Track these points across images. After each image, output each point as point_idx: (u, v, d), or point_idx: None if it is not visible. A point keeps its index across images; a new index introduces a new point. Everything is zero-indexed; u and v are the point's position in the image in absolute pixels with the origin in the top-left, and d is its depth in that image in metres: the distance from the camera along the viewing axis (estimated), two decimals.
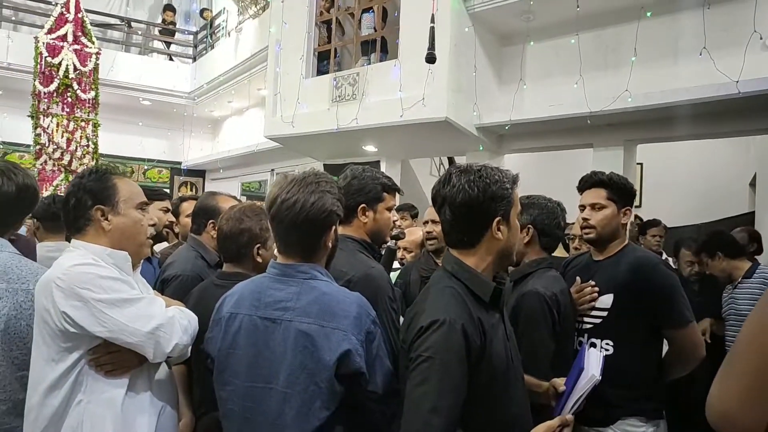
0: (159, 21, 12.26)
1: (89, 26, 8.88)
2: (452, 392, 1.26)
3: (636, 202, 4.55)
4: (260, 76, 8.39)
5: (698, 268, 4.11)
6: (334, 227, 1.51)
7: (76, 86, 8.55)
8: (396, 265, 3.51)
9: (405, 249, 3.47)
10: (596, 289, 2.16)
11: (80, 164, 8.47)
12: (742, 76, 4.06)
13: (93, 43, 8.85)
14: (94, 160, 8.68)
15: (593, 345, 2.12)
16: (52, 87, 8.37)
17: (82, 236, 1.58)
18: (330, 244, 1.52)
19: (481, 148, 5.96)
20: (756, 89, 4.04)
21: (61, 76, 8.40)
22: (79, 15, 8.72)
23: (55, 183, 8.28)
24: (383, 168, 7.04)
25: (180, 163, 12.28)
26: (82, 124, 8.63)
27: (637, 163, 6.07)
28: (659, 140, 5.40)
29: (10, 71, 9.19)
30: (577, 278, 2.25)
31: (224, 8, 10.32)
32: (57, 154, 8.41)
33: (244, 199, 10.20)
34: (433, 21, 4.40)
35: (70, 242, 1.61)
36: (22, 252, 1.79)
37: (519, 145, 6.17)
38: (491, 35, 5.88)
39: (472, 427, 1.34)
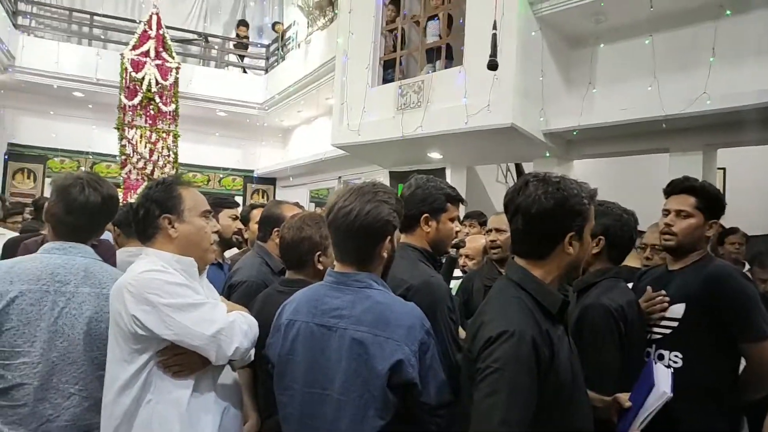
0: (233, 35, 12.80)
1: (170, 42, 9.41)
2: (522, 405, 1.24)
3: None
4: (328, 85, 8.57)
5: None
6: (389, 237, 1.52)
7: (158, 99, 9.07)
8: (457, 273, 3.49)
9: (467, 256, 3.44)
10: (666, 299, 2.06)
11: (161, 173, 8.96)
12: None
13: (173, 58, 9.37)
14: (175, 169, 9.17)
15: (661, 357, 2.02)
16: (136, 100, 8.91)
17: (152, 243, 1.68)
18: (386, 254, 1.53)
19: (547, 155, 5.83)
20: None
21: (144, 90, 8.93)
22: (161, 32, 9.25)
23: (139, 191, 8.75)
24: (448, 175, 7.01)
25: (252, 172, 12.74)
26: (164, 135, 9.14)
27: (719, 168, 5.72)
28: (741, 144, 5.10)
29: (99, 86, 9.84)
30: (648, 288, 2.15)
31: (294, 21, 10.62)
32: (140, 164, 8.94)
33: (312, 206, 10.48)
34: (495, 27, 4.35)
35: None
36: (102, 257, 1.92)
37: (588, 151, 5.98)
38: (559, 38, 5.75)
39: None
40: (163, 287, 1.53)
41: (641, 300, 2.12)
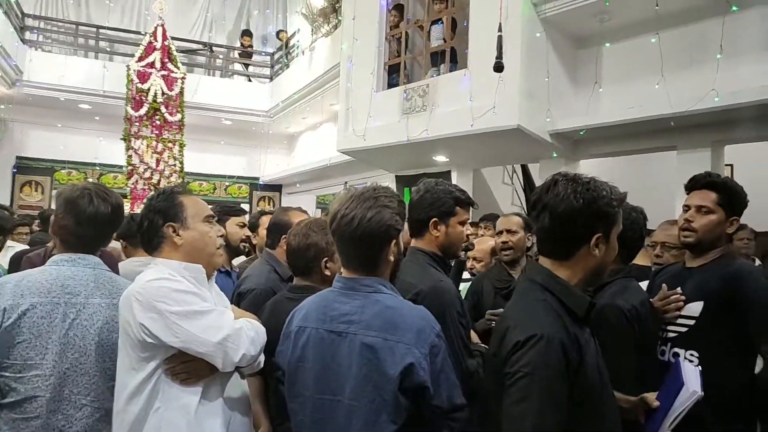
0: (238, 45, 12.87)
1: (175, 53, 9.48)
2: (554, 411, 1.23)
3: None
4: (333, 91, 8.59)
5: None
6: (394, 241, 1.51)
7: (163, 109, 9.15)
8: (466, 275, 3.48)
9: (475, 259, 3.42)
10: (682, 297, 2.03)
11: (168, 182, 9.01)
12: None
13: (178, 68, 9.44)
14: (181, 179, 9.22)
15: (676, 355, 2.00)
16: (142, 111, 8.98)
17: (158, 253, 1.69)
18: (391, 258, 1.52)
19: (554, 155, 5.81)
20: None
21: (150, 101, 9.01)
22: (166, 43, 9.33)
23: (145, 201, 8.84)
24: (454, 177, 7.00)
25: (258, 179, 12.78)
26: (170, 144, 9.21)
27: (727, 165, 5.67)
28: (749, 140, 5.05)
29: (105, 98, 9.89)
30: (663, 286, 2.13)
31: (298, 29, 10.67)
32: (147, 174, 9.00)
33: (319, 212, 10.49)
34: (500, 30, 4.35)
35: None
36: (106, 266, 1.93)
37: (595, 150, 5.94)
38: (564, 39, 5.73)
39: None
40: (170, 295, 1.54)
41: (656, 298, 2.10)
